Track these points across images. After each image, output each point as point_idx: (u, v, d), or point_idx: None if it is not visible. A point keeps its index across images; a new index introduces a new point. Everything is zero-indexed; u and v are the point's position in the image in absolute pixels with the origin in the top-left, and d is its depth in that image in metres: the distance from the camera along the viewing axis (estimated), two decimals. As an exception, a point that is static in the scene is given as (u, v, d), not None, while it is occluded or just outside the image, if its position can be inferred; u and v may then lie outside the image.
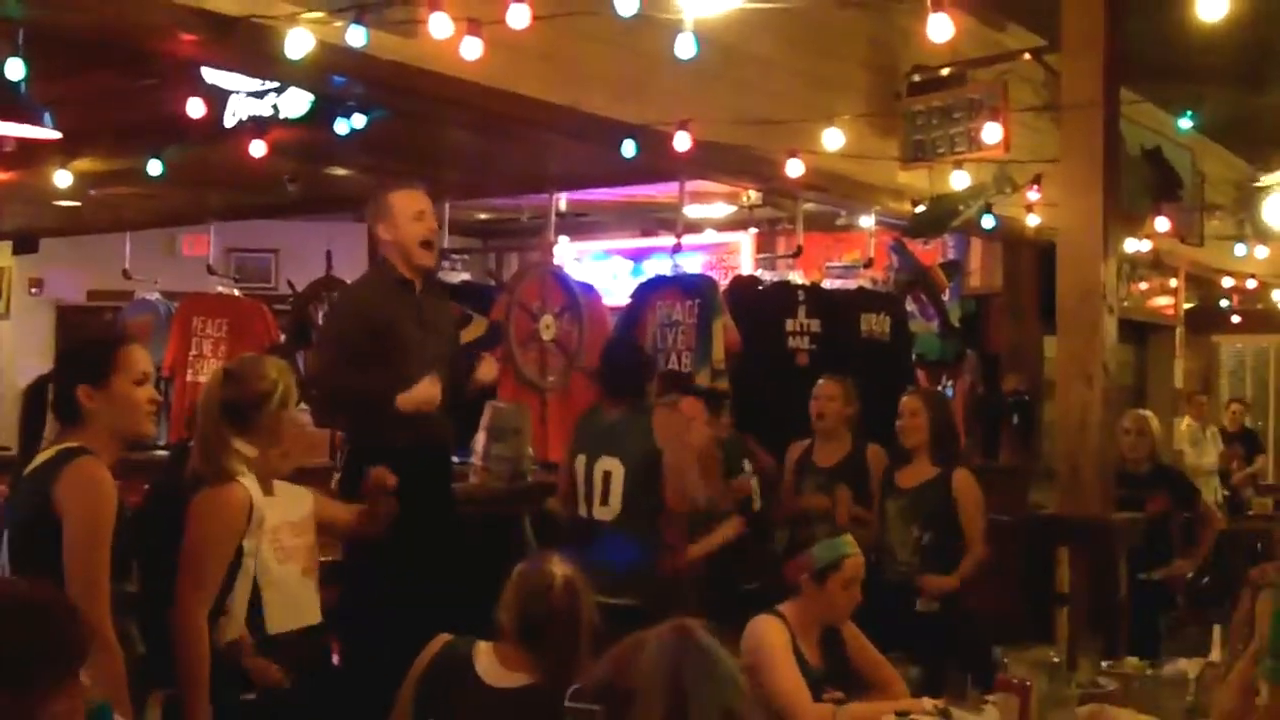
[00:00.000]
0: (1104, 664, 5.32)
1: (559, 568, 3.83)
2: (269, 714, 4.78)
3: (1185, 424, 12.33)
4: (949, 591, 6.35)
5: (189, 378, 9.70)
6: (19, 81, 4.96)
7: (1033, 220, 8.46)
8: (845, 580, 4.65)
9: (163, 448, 9.49)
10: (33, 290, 12.26)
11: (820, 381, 6.99)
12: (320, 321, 9.14)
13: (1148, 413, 8.40)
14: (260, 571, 4.72)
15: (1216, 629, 5.22)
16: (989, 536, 6.54)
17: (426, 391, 5.56)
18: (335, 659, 5.73)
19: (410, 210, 5.66)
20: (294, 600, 4.85)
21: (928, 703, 4.25)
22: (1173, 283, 12.50)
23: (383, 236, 5.67)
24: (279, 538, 4.85)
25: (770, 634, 4.58)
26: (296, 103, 6.46)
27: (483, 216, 10.97)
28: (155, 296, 10.34)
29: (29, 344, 12.34)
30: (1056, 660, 4.84)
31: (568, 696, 2.41)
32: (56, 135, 6.93)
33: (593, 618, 3.75)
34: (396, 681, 3.98)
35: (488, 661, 3.80)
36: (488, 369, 5.94)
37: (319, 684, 5.07)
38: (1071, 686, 4.81)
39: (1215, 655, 5.02)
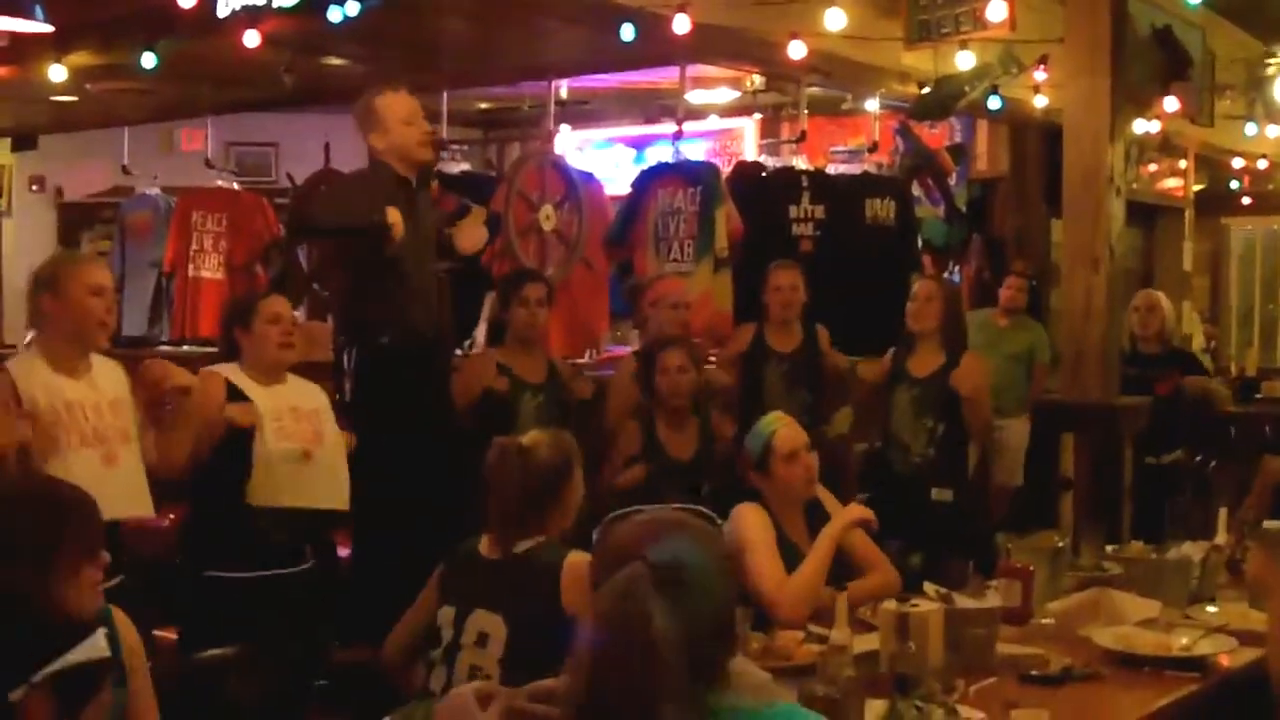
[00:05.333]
0: (1108, 549, 5.32)
1: (528, 437, 3.98)
2: (268, 591, 4.84)
3: (1189, 307, 12.30)
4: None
5: (190, 273, 9.66)
6: (8, -26, 4.89)
7: (1040, 102, 8.35)
8: (783, 456, 4.60)
9: (166, 343, 9.53)
10: (33, 188, 12.18)
11: (780, 270, 6.88)
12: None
13: (1159, 292, 8.40)
14: (258, 444, 4.79)
15: (1222, 512, 5.21)
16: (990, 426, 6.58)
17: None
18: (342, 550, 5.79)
19: (401, 114, 5.62)
20: (284, 478, 4.88)
21: (930, 588, 4.23)
22: (1182, 164, 12.36)
23: (376, 145, 5.62)
24: (281, 420, 4.90)
25: (746, 518, 4.55)
26: (289, -11, 6.37)
27: (483, 106, 10.84)
28: (155, 192, 10.27)
29: (31, 242, 12.28)
30: (1060, 545, 4.83)
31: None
32: (49, 29, 6.84)
33: (554, 487, 3.90)
34: (396, 573, 4.01)
35: (487, 543, 3.93)
36: (468, 237, 5.87)
37: (321, 573, 5.12)
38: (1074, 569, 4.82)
39: (1220, 538, 5.01)
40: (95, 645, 2.31)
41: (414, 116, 5.65)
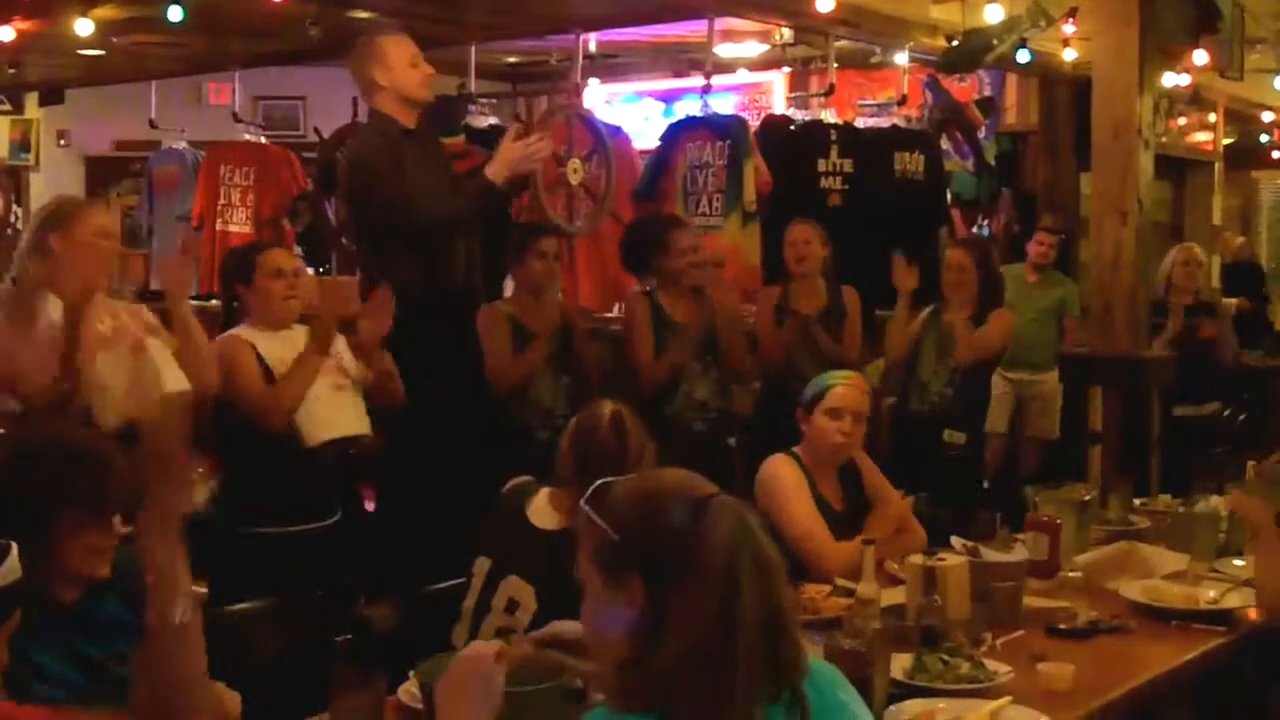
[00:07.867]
0: (1136, 502, 5.32)
1: (609, 406, 3.85)
2: (298, 546, 4.86)
3: (1218, 261, 12.25)
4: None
5: (218, 227, 9.69)
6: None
7: (1069, 55, 8.30)
8: (828, 409, 4.59)
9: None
10: (61, 142, 12.21)
11: (794, 226, 6.87)
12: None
13: (1198, 246, 8.42)
14: None
15: (1250, 465, 5.19)
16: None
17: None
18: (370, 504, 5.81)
19: (405, 57, 5.65)
20: (327, 413, 4.92)
21: (957, 542, 4.23)
22: (1211, 118, 12.29)
23: (379, 81, 5.62)
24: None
25: (782, 470, 4.56)
26: (314, -59, 6.36)
27: (511, 60, 10.82)
28: (182, 146, 10.29)
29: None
30: (1087, 498, 4.83)
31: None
32: (75, -19, 6.86)
33: (642, 454, 3.75)
34: (422, 527, 4.00)
35: (541, 503, 3.86)
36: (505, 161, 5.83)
37: (347, 527, 5.14)
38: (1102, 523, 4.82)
39: (1249, 491, 4.99)
40: (10, 568, 2.30)
41: (417, 59, 5.70)
